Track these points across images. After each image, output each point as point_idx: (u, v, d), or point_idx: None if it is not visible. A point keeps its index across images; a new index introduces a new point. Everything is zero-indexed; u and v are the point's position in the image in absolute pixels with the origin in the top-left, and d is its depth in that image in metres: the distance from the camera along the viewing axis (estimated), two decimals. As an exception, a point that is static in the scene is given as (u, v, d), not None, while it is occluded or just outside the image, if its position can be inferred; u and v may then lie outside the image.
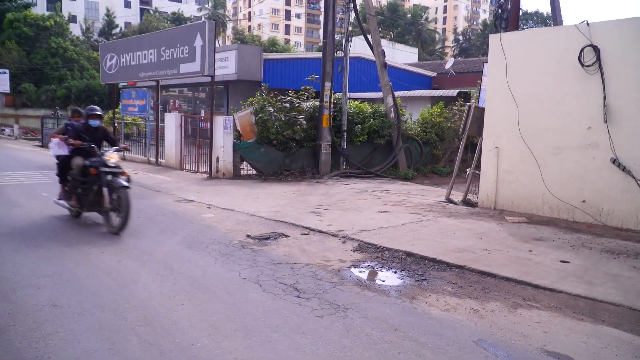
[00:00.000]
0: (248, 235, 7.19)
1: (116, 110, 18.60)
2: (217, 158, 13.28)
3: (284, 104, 14.46)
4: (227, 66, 23.69)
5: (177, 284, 5.10)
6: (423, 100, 21.30)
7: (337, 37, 15.20)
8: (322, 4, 12.91)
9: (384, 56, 15.27)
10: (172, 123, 15.11)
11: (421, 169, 16.68)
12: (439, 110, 17.43)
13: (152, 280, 5.19)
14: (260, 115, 13.65)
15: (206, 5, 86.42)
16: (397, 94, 19.37)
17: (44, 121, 24.83)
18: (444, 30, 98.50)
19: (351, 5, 14.80)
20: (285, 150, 14.24)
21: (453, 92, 20.21)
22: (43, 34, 57.21)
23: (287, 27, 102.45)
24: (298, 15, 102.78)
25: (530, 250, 6.54)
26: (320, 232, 7.50)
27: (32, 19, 56.77)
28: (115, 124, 18.00)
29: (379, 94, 16.15)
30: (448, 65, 27.78)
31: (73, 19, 78.39)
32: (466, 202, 10.17)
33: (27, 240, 6.60)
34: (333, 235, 7.29)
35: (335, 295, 4.85)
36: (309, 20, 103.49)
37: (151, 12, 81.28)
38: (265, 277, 5.35)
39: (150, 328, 4.03)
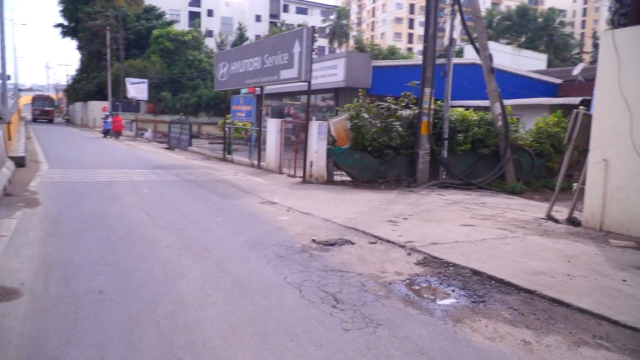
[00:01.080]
0: (313, 240, 7.06)
1: (227, 115, 19.62)
2: (311, 163, 13.37)
3: (381, 110, 14.19)
4: (336, 73, 23.93)
5: (220, 282, 5.11)
6: (541, 108, 19.67)
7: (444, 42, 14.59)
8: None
9: (491, 60, 14.32)
10: (272, 128, 15.54)
11: (532, 183, 15.34)
12: (556, 119, 15.95)
13: (199, 276, 5.25)
14: (355, 121, 13.50)
15: (331, 17, 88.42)
16: (511, 101, 18.12)
17: (170, 126, 26.99)
18: (582, 35, 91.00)
19: (456, 7, 14.12)
20: (381, 157, 13.94)
21: (575, 100, 18.39)
22: (182, 48, 62.39)
23: (410, 35, 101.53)
24: (422, 24, 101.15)
25: (625, 280, 5.61)
26: (389, 241, 7.13)
27: (173, 35, 62.29)
28: (226, 129, 18.97)
29: (487, 102, 15.19)
30: (576, 72, 25.44)
31: (209, 33, 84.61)
32: (571, 221, 9.09)
33: (108, 231, 7.09)
34: (400, 246, 6.89)
35: (374, 308, 4.53)
36: (462, 32, 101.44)
37: (278, 24, 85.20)
38: (310, 283, 5.17)
39: (173, 323, 4.05)
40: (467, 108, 15.61)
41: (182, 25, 78.00)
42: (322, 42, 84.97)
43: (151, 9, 69.97)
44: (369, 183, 13.64)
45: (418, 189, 13.31)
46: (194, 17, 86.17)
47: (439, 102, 14.91)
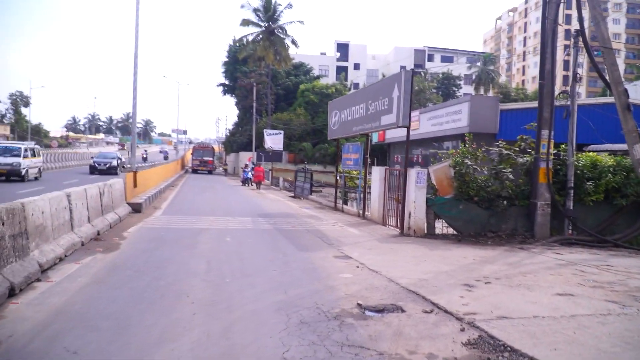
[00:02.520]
0: (359, 304, 6.19)
1: (340, 164, 19.43)
2: (409, 214, 12.37)
3: (491, 156, 12.78)
4: (460, 119, 22.63)
5: (208, 350, 4.56)
6: None
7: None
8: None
9: (627, 96, 12.15)
10: (376, 176, 14.87)
11: (692, 242, 12.45)
12: None
13: (192, 341, 4.76)
14: (457, 168, 12.28)
15: (477, 64, 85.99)
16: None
17: (297, 175, 27.68)
18: None
19: (579, 38, 12.38)
20: (490, 208, 12.43)
21: None
22: (325, 100, 65.06)
23: (565, 78, 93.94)
24: (579, 65, 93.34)
25: None
26: (446, 311, 5.97)
27: (318, 88, 65.39)
28: (337, 177, 18.74)
29: (622, 145, 12.85)
30: None
31: (355, 85, 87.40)
32: None
33: (153, 281, 6.98)
34: (457, 319, 5.70)
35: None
36: (590, 68, 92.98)
37: (422, 74, 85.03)
38: (310, 360, 4.37)
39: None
40: (598, 152, 13.39)
41: (331, 80, 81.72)
42: (467, 89, 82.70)
43: (300, 65, 74.69)
44: (475, 237, 12.18)
45: (533, 245, 11.51)
46: (341, 71, 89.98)
47: (562, 145, 13.02)
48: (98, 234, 10.21)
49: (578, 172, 12.53)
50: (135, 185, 16.13)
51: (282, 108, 67.18)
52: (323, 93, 64.31)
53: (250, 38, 56.62)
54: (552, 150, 12.39)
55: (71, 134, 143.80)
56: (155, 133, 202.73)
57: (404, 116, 12.52)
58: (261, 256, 9.16)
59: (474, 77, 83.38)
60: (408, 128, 12.77)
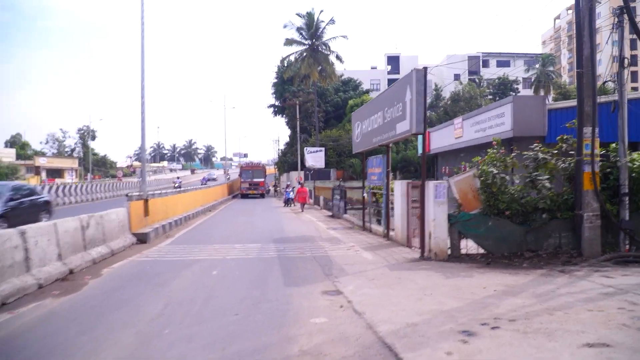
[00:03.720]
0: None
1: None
2: (429, 234, 10.69)
3: (524, 162, 10.92)
4: (503, 123, 20.53)
5: None
6: None
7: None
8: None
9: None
10: (398, 192, 13.24)
11: None
12: None
13: None
14: (483, 178, 10.51)
15: (535, 66, 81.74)
16: None
17: (333, 193, 26.30)
18: None
19: (624, 16, 10.37)
20: (526, 223, 10.54)
21: None
22: (374, 114, 63.20)
23: (634, 74, 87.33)
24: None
25: None
26: (418, 377, 4.39)
27: (367, 102, 63.90)
28: (364, 194, 17.24)
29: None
30: None
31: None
32: None
33: (79, 326, 5.82)
34: (427, 391, 4.11)
35: None
36: (634, 59, 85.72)
37: (476, 80, 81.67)
38: None
39: None
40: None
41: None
42: (526, 92, 78.49)
43: (349, 81, 73.74)
44: (509, 259, 10.32)
45: (578, 266, 9.52)
46: (392, 83, 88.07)
47: (612, 145, 10.93)
48: (71, 272, 9.28)
49: (634, 175, 10.41)
50: (147, 214, 15.34)
51: (332, 125, 66.24)
52: (372, 107, 62.61)
53: (294, 57, 56.21)
54: (597, 151, 10.36)
55: (136, 163, 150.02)
56: (217, 158, 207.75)
57: (417, 122, 10.91)
58: (235, 294, 7.83)
59: (532, 79, 79.25)
60: (424, 135, 11.14)
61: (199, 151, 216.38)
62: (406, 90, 11.32)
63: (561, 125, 18.87)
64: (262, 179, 48.30)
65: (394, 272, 9.34)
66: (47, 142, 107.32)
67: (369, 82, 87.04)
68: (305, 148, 43.97)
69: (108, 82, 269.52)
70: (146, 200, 15.35)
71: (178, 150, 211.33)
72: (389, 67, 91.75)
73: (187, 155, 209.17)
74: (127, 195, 14.43)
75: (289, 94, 66.52)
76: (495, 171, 10.27)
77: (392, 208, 14.00)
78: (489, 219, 10.52)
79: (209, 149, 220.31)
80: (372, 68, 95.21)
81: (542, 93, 76.42)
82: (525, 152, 11.10)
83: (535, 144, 11.17)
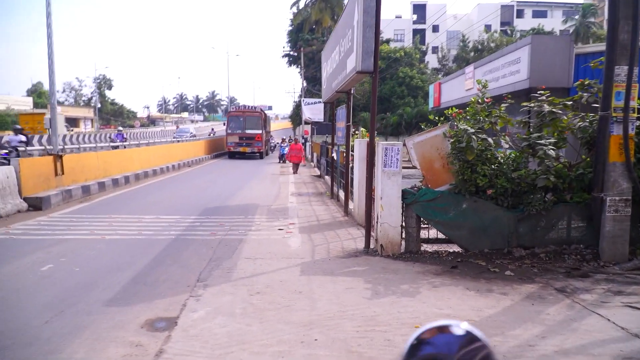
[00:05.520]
0: None
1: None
2: (377, 219, 7.47)
3: (523, 119, 7.50)
4: (518, 70, 16.69)
5: None
6: None
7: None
8: None
9: None
10: (357, 155, 9.94)
11: None
12: None
13: None
14: (455, 139, 7.13)
15: (575, 17, 75.13)
16: None
17: (321, 150, 23.04)
18: None
19: None
20: (518, 207, 7.20)
21: None
22: (393, 65, 59.41)
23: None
24: None
25: None
26: None
27: (384, 53, 59.76)
28: (332, 154, 13.98)
29: None
30: None
31: (434, 49, 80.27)
32: None
33: None
34: None
35: None
36: None
37: (508, 31, 75.52)
38: None
39: None
40: None
41: (407, 43, 74.80)
42: (562, 45, 72.09)
43: (367, 30, 68.84)
44: (489, 259, 7.05)
45: (592, 279, 6.24)
46: (417, 35, 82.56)
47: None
48: None
49: (687, 140, 6.87)
50: (58, 173, 12.40)
51: (348, 77, 62.21)
52: (390, 57, 58.45)
53: (305, 1, 51.76)
54: (636, 103, 6.83)
55: (156, 113, 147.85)
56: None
57: (364, 54, 7.45)
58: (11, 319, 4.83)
59: (570, 31, 72.79)
60: (374, 75, 7.71)
61: (222, 102, 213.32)
62: (354, 10, 7.82)
63: (592, 74, 14.96)
64: (260, 131, 33.23)
65: (302, 279, 6.19)
66: (64, 91, 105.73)
67: (392, 33, 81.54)
68: (302, 99, 40.18)
69: (127, 32, 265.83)
70: (59, 156, 12.38)
71: (201, 101, 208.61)
72: (415, 17, 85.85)
73: (209, 106, 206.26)
74: (13, 149, 11.49)
75: (302, 42, 62.26)
76: (471, 130, 6.84)
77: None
78: (463, 200, 7.20)
79: (232, 101, 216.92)
80: (396, 17, 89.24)
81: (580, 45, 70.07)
82: (525, 104, 7.63)
83: (541, 93, 7.65)
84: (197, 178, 19.63)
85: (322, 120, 37.70)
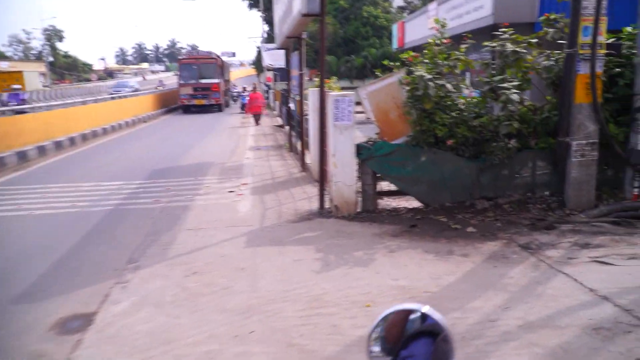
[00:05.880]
0: None
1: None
2: (331, 178, 6.87)
3: (485, 60, 6.87)
4: (482, 6, 15.88)
5: None
6: None
7: None
8: None
9: None
10: (311, 105, 9.23)
11: None
12: None
13: None
14: (412, 87, 6.47)
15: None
16: None
17: (282, 98, 22.08)
18: None
19: None
20: (481, 157, 6.69)
21: None
22: (357, 5, 57.46)
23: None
24: None
25: None
26: None
27: (357, -8, 57.56)
28: (290, 104, 13.20)
29: None
30: None
31: (399, -12, 77.83)
32: None
33: None
34: None
35: None
36: None
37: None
38: None
39: None
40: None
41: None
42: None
43: (337, -34, 66.16)
44: (450, 214, 6.59)
45: (557, 231, 5.85)
46: (380, -29, 79.58)
47: (627, 29, 6.82)
48: None
49: (657, 77, 6.36)
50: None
51: (313, 19, 60.06)
52: (354, -3, 56.32)
53: None
54: (603, 38, 6.25)
55: (114, 65, 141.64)
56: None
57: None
58: None
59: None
60: (322, 18, 6.90)
61: (183, 51, 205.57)
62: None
63: (559, 7, 14.26)
64: (217, 80, 29.29)
65: (247, 252, 5.61)
66: (10, 45, 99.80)
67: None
68: (262, 45, 38.45)
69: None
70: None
71: (161, 50, 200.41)
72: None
73: (170, 55, 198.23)
74: None
75: (261, -18, 59.46)
76: (428, 76, 6.18)
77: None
78: (422, 152, 6.64)
79: (193, 48, 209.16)
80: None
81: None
82: (486, 43, 6.97)
83: (504, 31, 6.99)
84: (148, 137, 18.48)
85: (284, 67, 36.28)
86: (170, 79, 62.19)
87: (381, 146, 6.64)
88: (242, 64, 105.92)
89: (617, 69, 6.50)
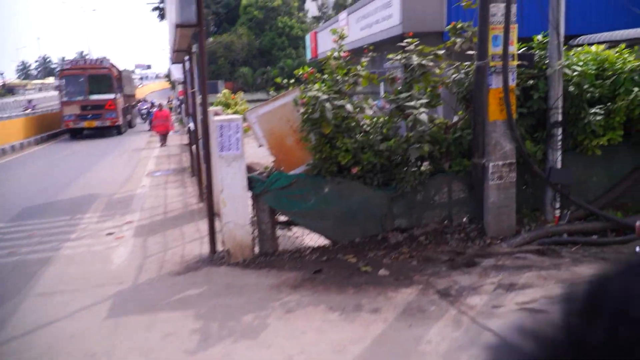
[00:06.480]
0: None
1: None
2: (221, 217, 5.79)
3: (390, 75, 6.09)
4: (390, 15, 15.48)
5: None
6: None
7: None
8: None
9: None
10: (200, 130, 8.08)
11: None
12: None
13: None
14: (308, 108, 5.56)
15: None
16: None
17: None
18: None
19: None
20: (391, 185, 5.88)
21: None
22: (271, 15, 56.87)
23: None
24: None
25: None
26: None
27: (261, 2, 56.95)
28: (189, 124, 11.98)
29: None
30: None
31: (313, -4, 77.79)
32: None
33: None
34: None
35: None
36: None
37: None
38: None
39: None
40: (609, 46, 6.59)
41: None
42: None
43: (244, -25, 65.02)
44: (360, 252, 5.72)
45: (479, 268, 5.11)
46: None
47: (537, 37, 6.31)
48: None
49: (571, 89, 5.84)
50: None
51: (226, 29, 58.51)
52: (268, 7, 55.76)
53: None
54: (515, 48, 5.66)
55: (15, 80, 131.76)
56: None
57: (183, 1, 5.54)
58: None
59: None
60: (200, 29, 5.84)
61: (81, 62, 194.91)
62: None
63: (468, 16, 14.00)
64: (112, 95, 23.15)
65: (107, 326, 4.41)
66: None
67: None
68: (170, 57, 36.74)
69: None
70: None
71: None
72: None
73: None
74: None
75: (172, -6, 57.28)
76: (323, 96, 5.29)
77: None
78: (324, 183, 5.73)
79: (81, 56, 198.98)
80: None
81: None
82: (390, 56, 6.21)
83: (409, 42, 6.25)
84: (22, 167, 16.08)
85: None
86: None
87: (277, 177, 5.66)
88: (158, 77, 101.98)
89: (531, 81, 5.94)
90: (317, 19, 65.64)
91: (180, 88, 40.81)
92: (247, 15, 56.46)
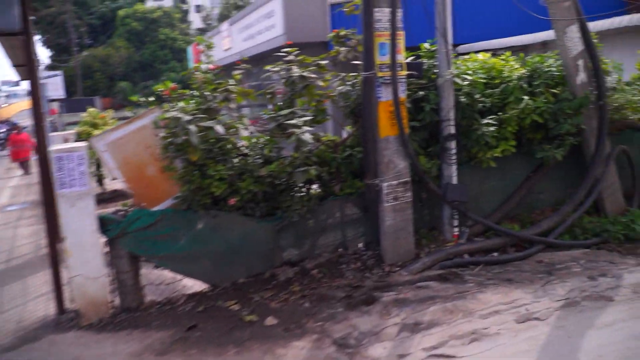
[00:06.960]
0: None
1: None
2: (68, 270, 4.63)
3: (268, 90, 5.32)
4: (273, 25, 14.87)
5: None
6: (628, 38, 10.10)
7: None
8: None
9: None
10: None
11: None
12: None
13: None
14: (170, 131, 4.62)
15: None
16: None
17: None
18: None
19: None
20: (275, 212, 5.09)
21: None
22: (152, 27, 54.28)
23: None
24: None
25: None
26: None
27: (140, 13, 54.15)
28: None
29: (544, 35, 6.20)
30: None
31: (197, 8, 75.69)
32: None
33: None
34: None
35: None
36: None
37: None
38: None
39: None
40: (494, 54, 6.36)
41: (169, 4, 68.60)
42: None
43: (119, -14, 61.40)
44: (245, 294, 4.86)
45: (380, 301, 4.47)
46: (184, -8, 76.75)
47: (424, 45, 5.88)
48: None
49: (462, 99, 5.46)
50: None
51: (101, 41, 54.79)
52: (148, 19, 53.20)
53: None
54: (403, 56, 5.17)
55: None
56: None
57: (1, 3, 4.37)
58: None
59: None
60: (26, 36, 4.67)
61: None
62: None
63: (351, 25, 13.66)
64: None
65: None
66: None
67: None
68: (39, 73, 33.45)
69: None
70: None
71: None
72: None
73: None
74: None
75: (38, 3, 52.56)
76: (186, 117, 4.39)
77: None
78: (197, 218, 4.81)
79: None
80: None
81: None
82: (268, 67, 5.45)
83: (288, 52, 5.54)
84: None
85: (64, 96, 31.33)
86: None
87: (137, 216, 4.63)
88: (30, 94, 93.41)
89: (421, 92, 5.49)
90: (201, 31, 63.83)
91: (54, 106, 37.23)
92: (125, 27, 53.50)
